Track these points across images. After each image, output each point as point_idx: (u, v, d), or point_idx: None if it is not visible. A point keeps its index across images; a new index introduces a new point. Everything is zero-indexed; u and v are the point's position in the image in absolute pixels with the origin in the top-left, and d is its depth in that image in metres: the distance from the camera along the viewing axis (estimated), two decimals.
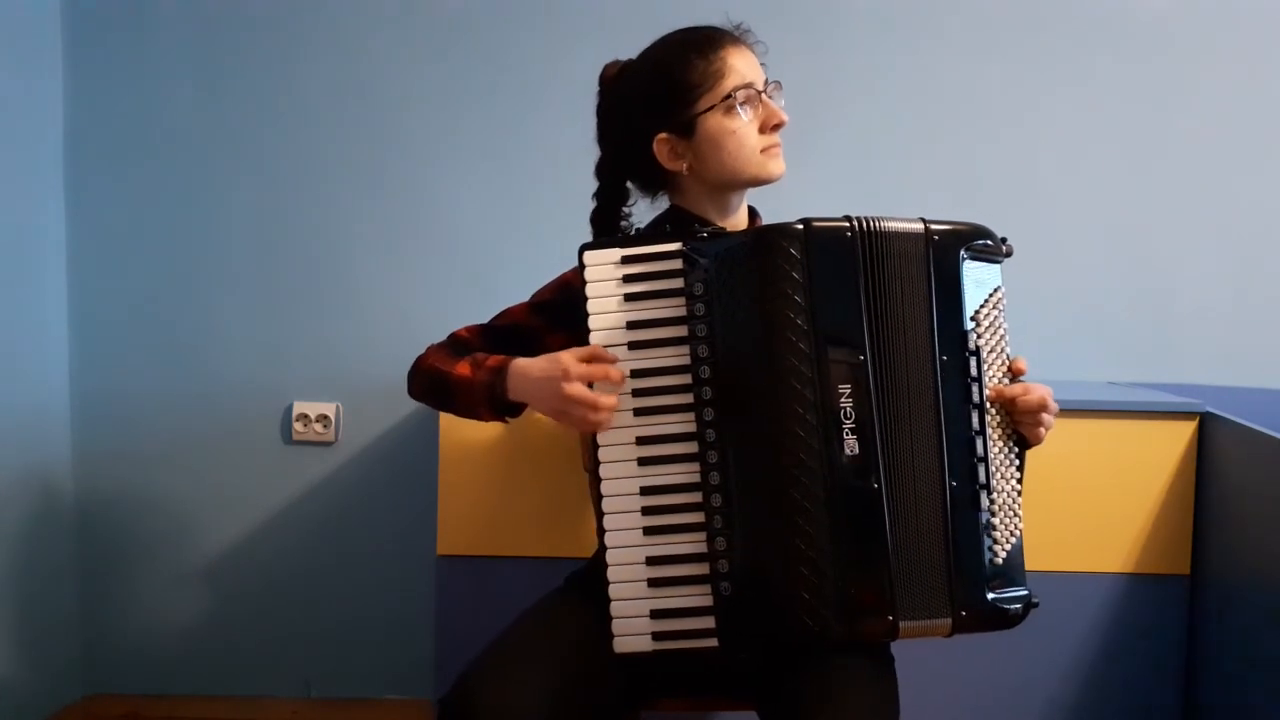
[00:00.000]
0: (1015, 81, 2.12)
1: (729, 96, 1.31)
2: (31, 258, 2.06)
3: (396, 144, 2.13)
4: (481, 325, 1.43)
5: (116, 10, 2.11)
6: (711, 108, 1.33)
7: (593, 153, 1.44)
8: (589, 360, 1.20)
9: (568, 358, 1.20)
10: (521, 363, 1.26)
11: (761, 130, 1.34)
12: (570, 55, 2.10)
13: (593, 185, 1.44)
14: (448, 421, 1.71)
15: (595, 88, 1.44)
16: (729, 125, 1.33)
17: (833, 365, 1.14)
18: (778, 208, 1.37)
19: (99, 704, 2.17)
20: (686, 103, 1.34)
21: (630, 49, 1.43)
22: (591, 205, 1.45)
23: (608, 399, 1.18)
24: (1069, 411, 1.71)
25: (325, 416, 2.15)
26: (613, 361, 1.20)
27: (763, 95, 1.34)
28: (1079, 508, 1.73)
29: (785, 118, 1.34)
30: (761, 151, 1.34)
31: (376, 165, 2.14)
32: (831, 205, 1.20)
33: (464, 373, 1.31)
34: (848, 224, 1.17)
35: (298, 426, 2.16)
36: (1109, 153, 2.12)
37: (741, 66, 1.33)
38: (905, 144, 2.12)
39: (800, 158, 2.06)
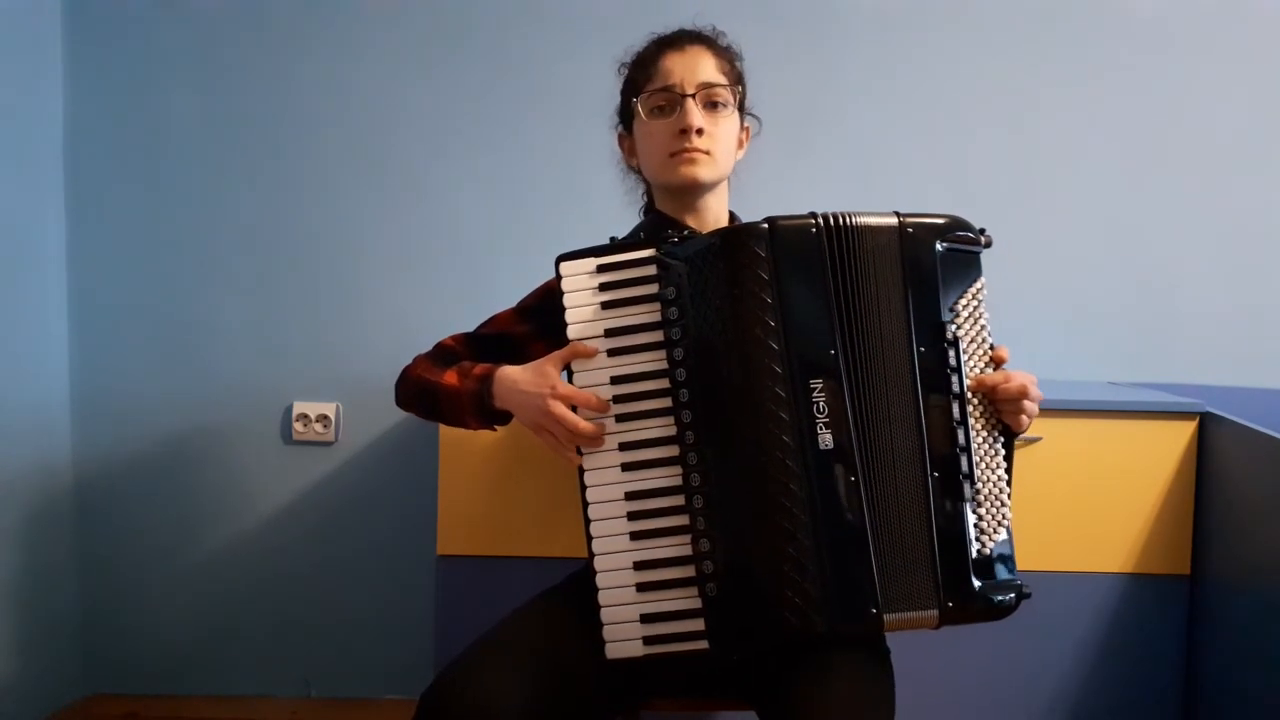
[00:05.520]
0: (1015, 81, 2.12)
1: (649, 97, 1.35)
2: (31, 258, 2.06)
3: (396, 144, 2.14)
4: (467, 334, 1.45)
5: (117, 10, 2.11)
6: (637, 108, 1.36)
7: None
8: (569, 358, 1.22)
9: (553, 372, 1.22)
10: (508, 371, 1.27)
11: (679, 135, 1.34)
12: (569, 57, 2.11)
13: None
14: None
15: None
16: (646, 125, 1.36)
17: (804, 362, 1.15)
18: (775, 208, 1.37)
19: (99, 704, 2.17)
20: (628, 99, 1.40)
21: (625, 54, 1.44)
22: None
23: (588, 425, 1.19)
24: (1069, 411, 1.72)
25: (325, 416, 2.16)
26: (592, 354, 1.21)
27: (688, 99, 1.33)
28: (1079, 508, 1.73)
29: (694, 123, 1.32)
30: (670, 155, 1.35)
31: (376, 166, 2.14)
32: (829, 205, 1.19)
33: (451, 382, 1.32)
34: (813, 221, 1.17)
35: (298, 426, 2.16)
36: (1109, 152, 2.12)
37: (675, 69, 1.35)
38: (905, 144, 2.12)
39: (799, 157, 2.08)
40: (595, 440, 1.20)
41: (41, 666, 2.08)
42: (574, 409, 1.20)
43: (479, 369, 1.31)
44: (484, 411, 1.29)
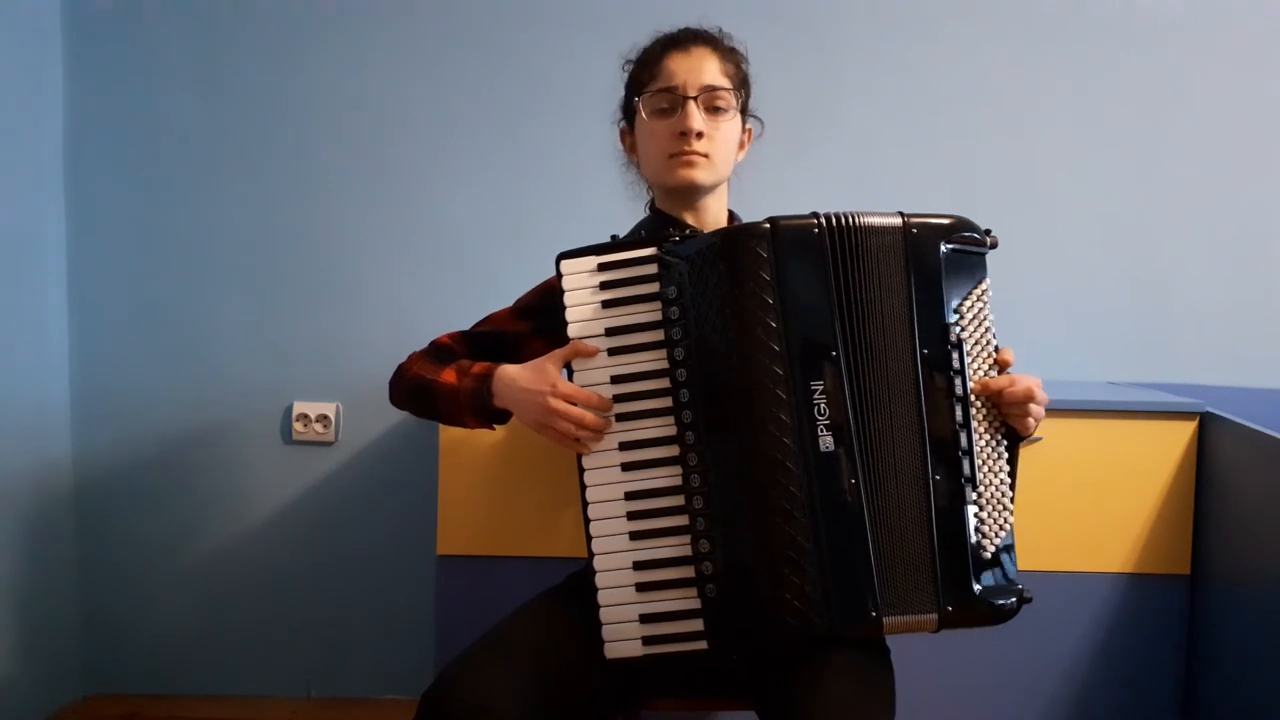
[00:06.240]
0: (1015, 82, 2.12)
1: (651, 97, 1.35)
2: (31, 258, 2.06)
3: (396, 144, 2.14)
4: (464, 332, 1.44)
5: (116, 10, 2.11)
6: (639, 106, 1.36)
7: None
8: (569, 357, 1.21)
9: (554, 370, 1.21)
10: (508, 370, 1.26)
11: (678, 137, 1.33)
12: (570, 56, 2.11)
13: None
14: None
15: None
16: (648, 125, 1.36)
17: (805, 363, 1.14)
18: (774, 208, 1.37)
19: (99, 704, 2.17)
20: (631, 96, 1.40)
21: (629, 50, 1.44)
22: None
23: (591, 417, 1.19)
24: (1069, 411, 1.72)
25: (325, 416, 2.15)
26: (593, 353, 1.21)
27: (690, 101, 1.33)
28: (1079, 508, 1.73)
29: (694, 126, 1.32)
30: (670, 157, 1.34)
31: (376, 165, 2.14)
32: (829, 205, 1.19)
33: (449, 380, 1.31)
34: (815, 221, 1.16)
35: (298, 426, 2.16)
36: (1108, 153, 2.12)
37: (679, 70, 1.34)
38: (904, 143, 2.12)
39: (799, 157, 2.08)
40: (598, 435, 1.19)
41: (41, 666, 2.08)
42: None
43: (478, 367, 1.30)
44: (483, 410, 1.29)
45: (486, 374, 1.28)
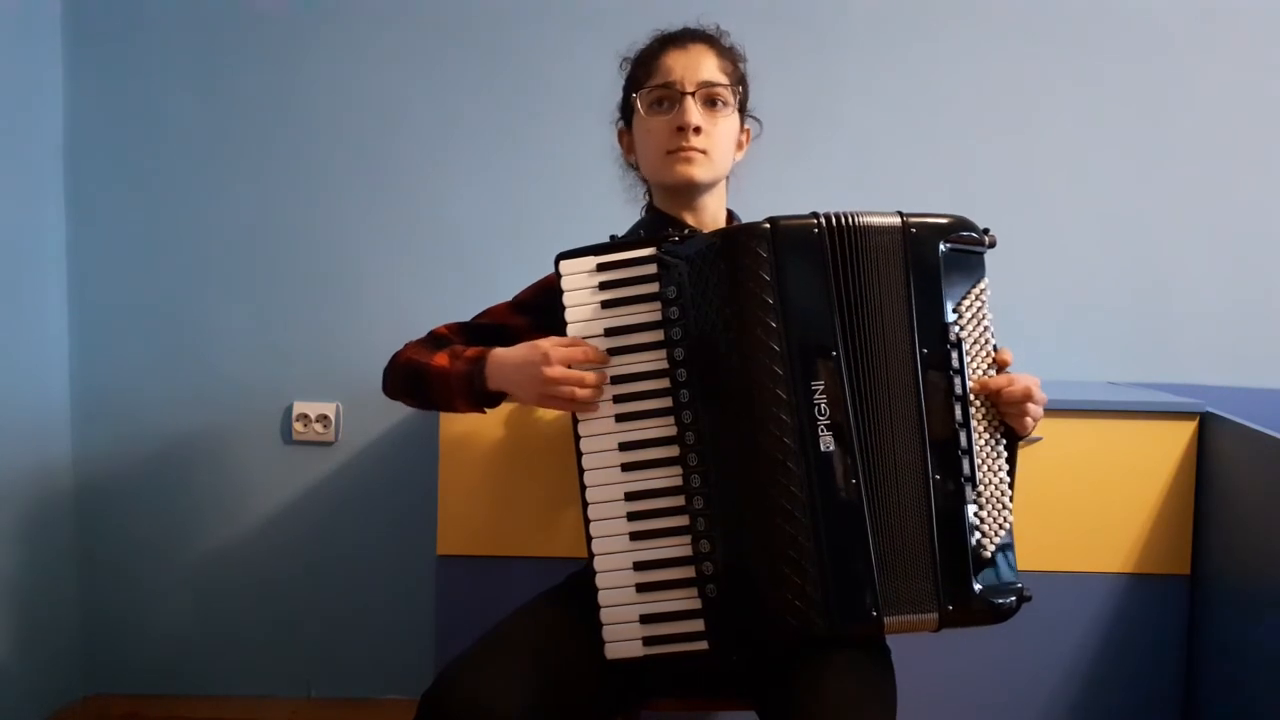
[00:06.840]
0: (1015, 82, 2.12)
1: (649, 93, 1.35)
2: (31, 258, 2.06)
3: (396, 144, 2.14)
4: (461, 323, 1.44)
5: (116, 11, 2.11)
6: (637, 104, 1.36)
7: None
8: (568, 345, 1.21)
9: (546, 342, 1.21)
10: (500, 351, 1.27)
11: (676, 133, 1.33)
12: (570, 55, 2.11)
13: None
14: (448, 421, 1.71)
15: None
16: (645, 122, 1.36)
17: (805, 363, 1.14)
18: (774, 208, 1.37)
19: (99, 704, 2.17)
20: (628, 95, 1.40)
21: (628, 50, 1.45)
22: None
23: (591, 375, 1.19)
24: (1069, 411, 1.72)
25: (325, 416, 2.15)
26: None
27: (687, 97, 1.33)
28: (1079, 508, 1.73)
29: (692, 121, 1.32)
30: (668, 153, 1.34)
31: (376, 165, 2.14)
32: (829, 205, 1.19)
33: (441, 363, 1.31)
34: (815, 221, 1.17)
35: (298, 426, 2.16)
36: (1108, 153, 2.12)
37: (676, 66, 1.34)
38: (904, 143, 2.12)
39: (799, 157, 2.08)
40: (599, 390, 1.19)
41: (41, 666, 2.08)
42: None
43: (471, 351, 1.30)
44: (474, 394, 1.29)
45: (480, 357, 1.28)
